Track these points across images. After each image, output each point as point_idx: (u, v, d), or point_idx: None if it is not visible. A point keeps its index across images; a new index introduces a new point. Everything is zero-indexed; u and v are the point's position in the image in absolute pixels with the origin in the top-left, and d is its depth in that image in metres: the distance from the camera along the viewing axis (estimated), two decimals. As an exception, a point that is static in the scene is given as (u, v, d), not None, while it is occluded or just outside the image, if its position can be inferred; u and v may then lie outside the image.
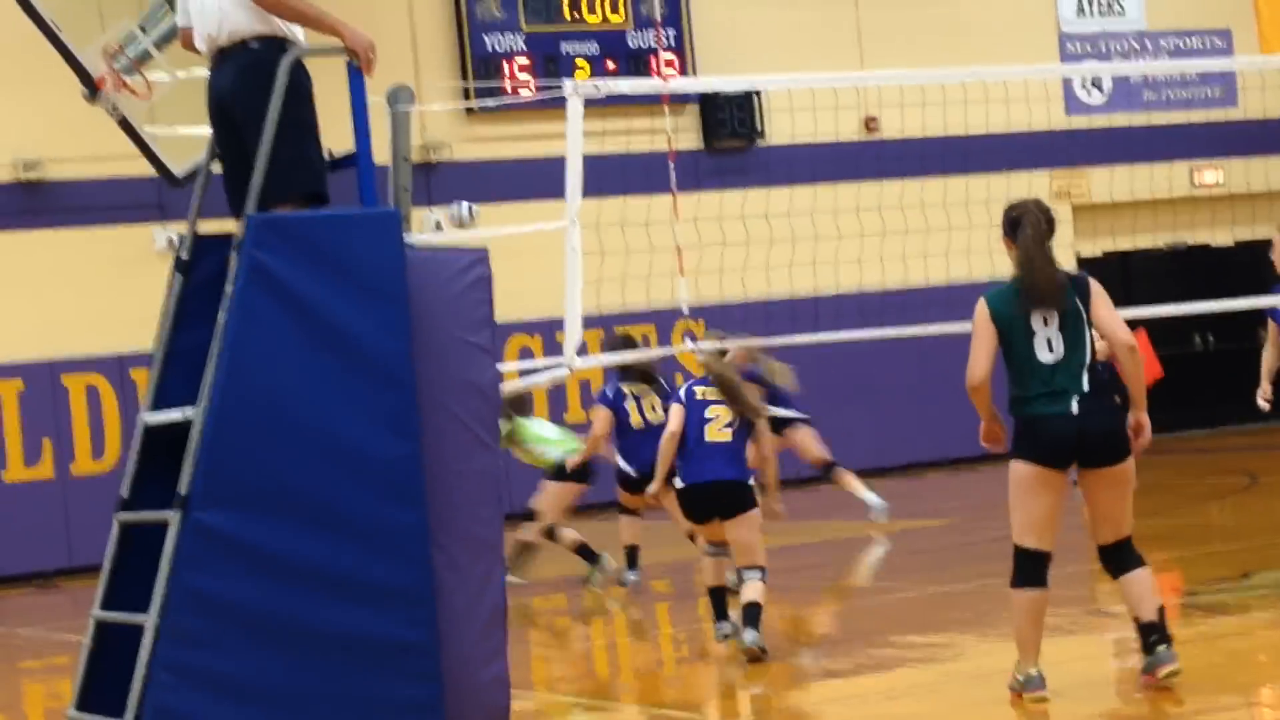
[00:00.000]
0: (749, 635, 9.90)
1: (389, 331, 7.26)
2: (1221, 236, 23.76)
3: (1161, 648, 8.04)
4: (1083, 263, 21.53)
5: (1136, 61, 23.45)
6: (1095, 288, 8.27)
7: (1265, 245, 13.05)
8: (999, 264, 24.50)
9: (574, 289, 10.74)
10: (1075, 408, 8.01)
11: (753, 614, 9.97)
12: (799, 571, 13.69)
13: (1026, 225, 8.26)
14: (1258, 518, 12.87)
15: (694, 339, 17.26)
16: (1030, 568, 8.09)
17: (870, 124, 22.19)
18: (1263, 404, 12.71)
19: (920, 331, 19.47)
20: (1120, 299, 9.02)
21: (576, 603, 13.35)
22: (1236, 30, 23.81)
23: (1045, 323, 8.11)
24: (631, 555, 13.49)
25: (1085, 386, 8.04)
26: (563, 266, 10.90)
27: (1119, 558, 8.15)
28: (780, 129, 21.76)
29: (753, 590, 10.05)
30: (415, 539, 7.18)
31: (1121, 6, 23.67)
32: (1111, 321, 8.21)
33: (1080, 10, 23.53)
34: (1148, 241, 23.57)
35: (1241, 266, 20.48)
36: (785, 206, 21.87)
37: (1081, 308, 8.16)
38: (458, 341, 7.53)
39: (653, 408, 13.22)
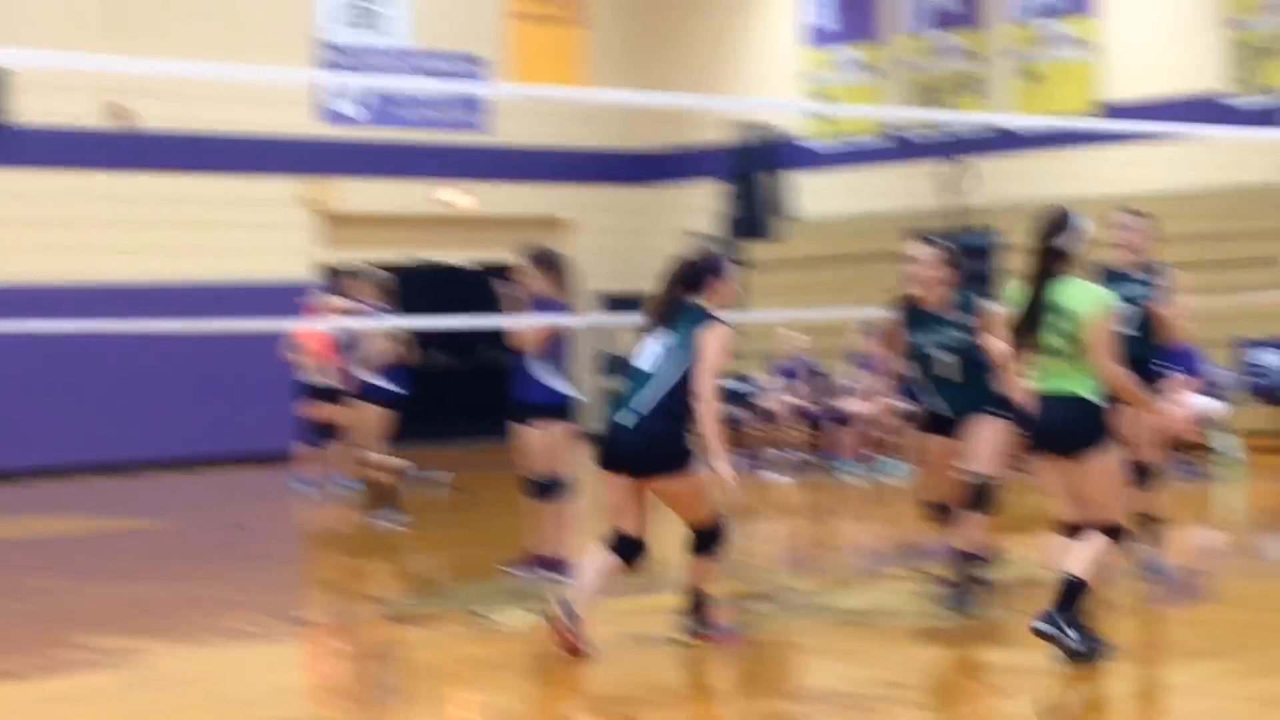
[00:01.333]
0: None
1: None
2: (464, 256, 24.35)
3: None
4: (329, 272, 21.61)
5: (391, 77, 23.74)
6: (713, 333, 8.54)
7: (508, 268, 13.28)
8: (237, 265, 24.27)
9: None
10: (628, 420, 8.51)
11: None
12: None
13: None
14: (462, 531, 13.34)
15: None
16: (612, 537, 8.67)
17: (123, 112, 21.62)
18: None
19: (144, 328, 19.19)
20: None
21: None
22: (495, 58, 24.46)
23: (655, 338, 8.64)
24: None
25: (649, 407, 8.49)
26: None
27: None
28: (32, 109, 20.96)
29: None
30: None
31: (384, 22, 23.93)
32: (700, 373, 8.48)
33: (341, 20, 23.65)
34: (393, 255, 23.92)
35: (479, 287, 20.99)
36: (33, 190, 21.09)
37: (688, 337, 8.53)
38: None
39: None
